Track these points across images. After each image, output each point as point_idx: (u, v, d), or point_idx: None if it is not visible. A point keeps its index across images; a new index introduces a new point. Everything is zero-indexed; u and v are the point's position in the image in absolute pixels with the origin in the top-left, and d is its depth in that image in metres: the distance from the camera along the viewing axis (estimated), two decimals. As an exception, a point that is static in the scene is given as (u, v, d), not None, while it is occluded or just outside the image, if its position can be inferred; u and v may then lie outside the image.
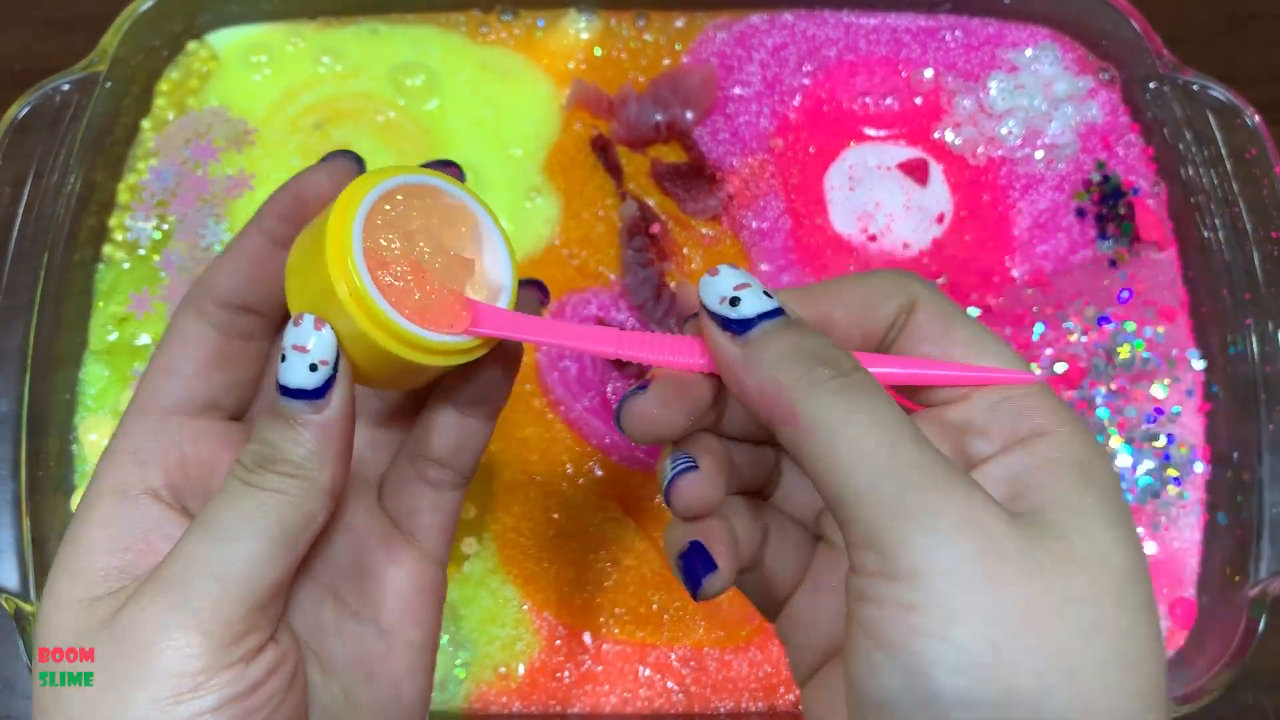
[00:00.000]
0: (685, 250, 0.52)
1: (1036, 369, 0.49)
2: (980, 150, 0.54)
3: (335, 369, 0.27)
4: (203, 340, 0.29)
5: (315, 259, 0.26)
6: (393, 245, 0.27)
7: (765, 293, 0.27)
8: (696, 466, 0.28)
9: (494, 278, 0.29)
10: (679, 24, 0.56)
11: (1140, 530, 0.47)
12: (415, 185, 0.28)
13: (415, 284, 0.27)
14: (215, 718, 0.25)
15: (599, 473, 0.47)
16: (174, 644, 0.24)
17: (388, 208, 0.27)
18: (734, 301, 0.26)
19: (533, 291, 0.32)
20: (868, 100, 0.55)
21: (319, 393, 0.26)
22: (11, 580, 0.43)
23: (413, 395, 0.33)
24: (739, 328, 0.26)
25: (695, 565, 0.29)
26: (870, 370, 0.26)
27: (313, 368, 0.26)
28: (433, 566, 0.32)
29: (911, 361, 0.28)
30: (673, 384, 0.28)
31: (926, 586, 0.23)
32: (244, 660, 0.25)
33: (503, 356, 0.30)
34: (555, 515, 0.47)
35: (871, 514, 0.23)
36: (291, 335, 0.26)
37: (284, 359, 0.26)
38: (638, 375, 0.48)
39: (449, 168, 0.30)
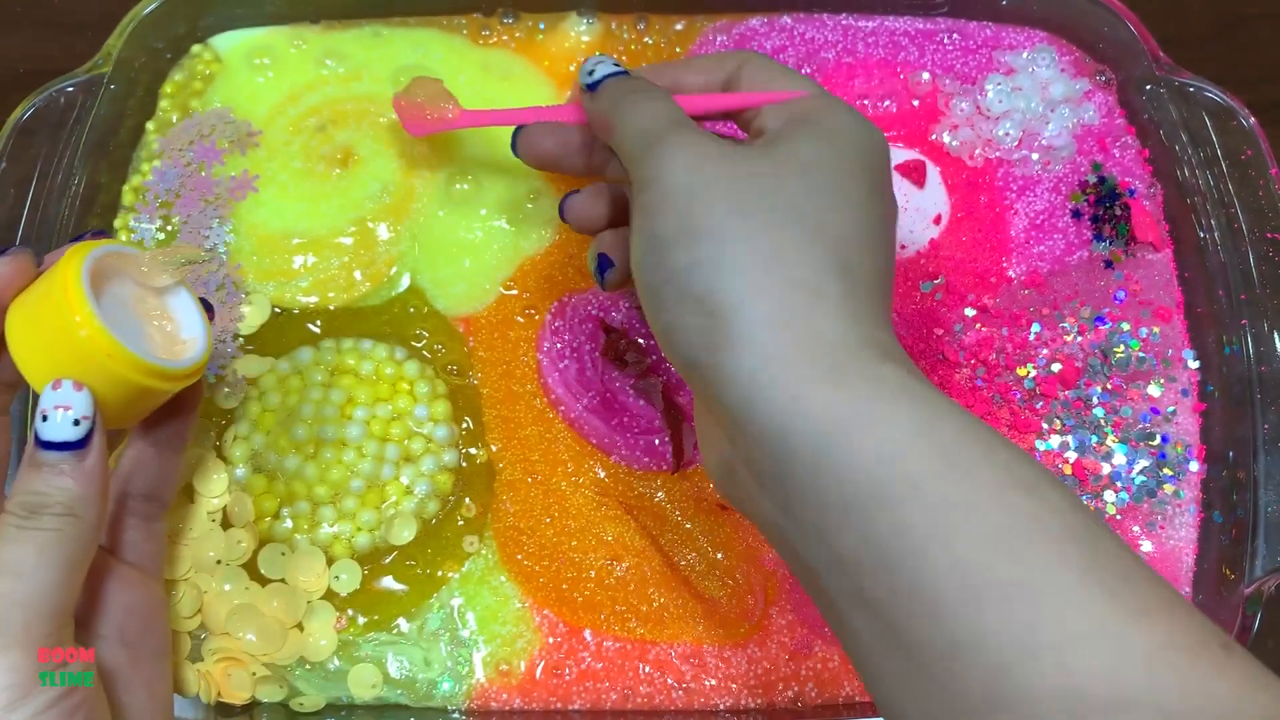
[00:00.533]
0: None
1: (1032, 369, 0.50)
2: (977, 152, 0.54)
3: (94, 423, 0.32)
4: None
5: (54, 325, 0.32)
6: (115, 299, 0.35)
7: (614, 63, 0.39)
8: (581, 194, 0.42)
9: (184, 315, 0.37)
10: (679, 27, 0.56)
11: (1136, 530, 0.48)
12: (108, 253, 0.35)
13: (141, 327, 0.35)
14: (45, 716, 0.30)
15: (599, 472, 0.48)
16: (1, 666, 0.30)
17: (100, 270, 0.34)
18: (593, 72, 0.39)
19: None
20: (866, 102, 0.56)
21: (81, 444, 0.32)
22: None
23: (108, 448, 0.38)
24: (593, 87, 0.38)
25: (601, 265, 0.40)
26: (676, 99, 0.37)
27: (76, 423, 0.31)
28: (155, 584, 0.39)
29: (709, 99, 0.38)
30: (559, 127, 0.42)
31: (655, 183, 0.33)
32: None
33: (196, 390, 0.38)
34: (555, 514, 0.47)
35: (634, 155, 0.34)
36: (53, 398, 0.31)
37: (45, 419, 0.31)
38: (638, 376, 0.48)
39: (99, 235, 0.37)
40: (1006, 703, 0.24)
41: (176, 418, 0.39)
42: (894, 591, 0.26)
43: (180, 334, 0.36)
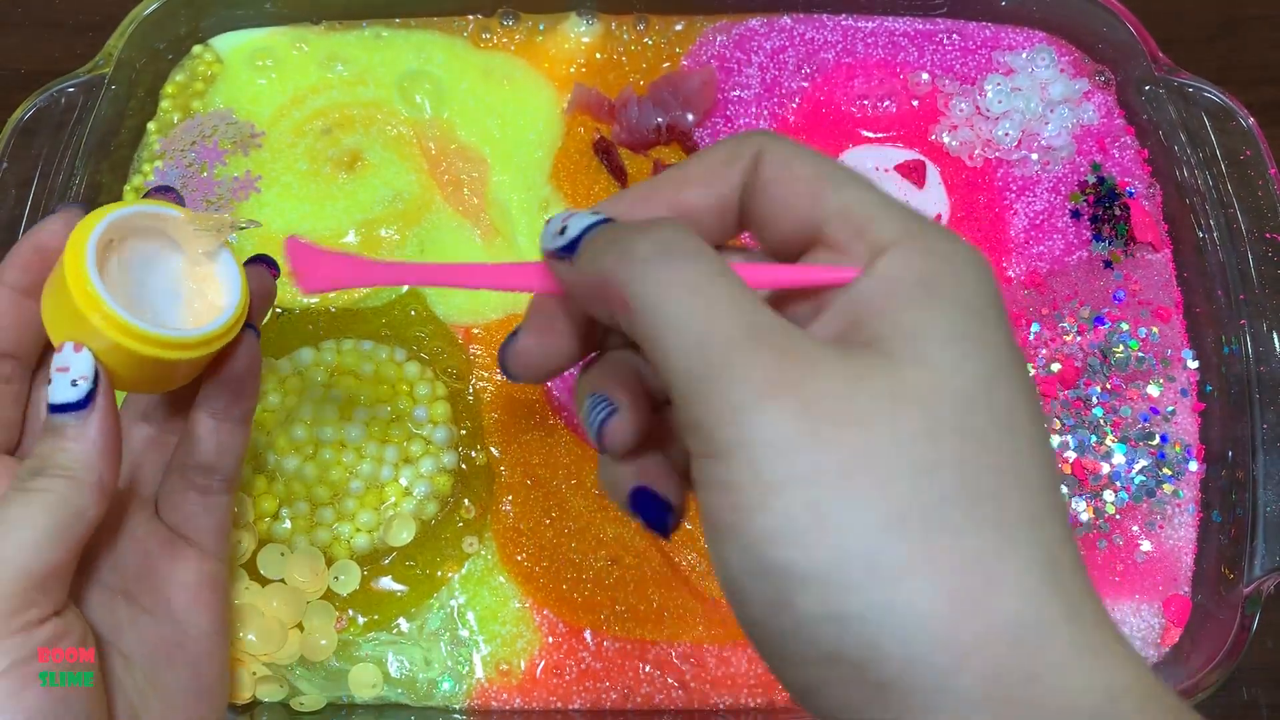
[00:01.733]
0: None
1: (1032, 369, 0.50)
2: (977, 152, 0.54)
3: (95, 384, 0.31)
4: None
5: (61, 289, 0.31)
6: (148, 263, 0.33)
7: (591, 213, 0.26)
8: (616, 408, 0.27)
9: (228, 282, 0.34)
10: (678, 27, 0.56)
11: (1135, 529, 0.48)
12: (140, 213, 0.33)
13: (179, 293, 0.34)
14: (4, 678, 0.29)
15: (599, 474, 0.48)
16: None
17: (119, 236, 0.33)
18: (564, 230, 0.26)
19: (259, 267, 0.37)
20: (865, 103, 0.56)
21: (82, 404, 0.31)
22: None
23: (178, 415, 0.38)
24: (569, 249, 0.25)
25: (650, 511, 0.28)
26: None
27: (74, 384, 0.31)
28: (212, 562, 0.38)
29: (752, 272, 0.25)
30: (542, 317, 0.28)
31: (742, 459, 0.21)
32: (24, 630, 0.29)
33: (240, 360, 0.35)
34: (555, 515, 0.47)
35: (687, 391, 0.22)
36: (55, 360, 0.31)
37: (50, 382, 0.31)
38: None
39: (166, 193, 0.36)
40: None
41: (232, 387, 0.36)
42: None
43: (220, 301, 0.34)
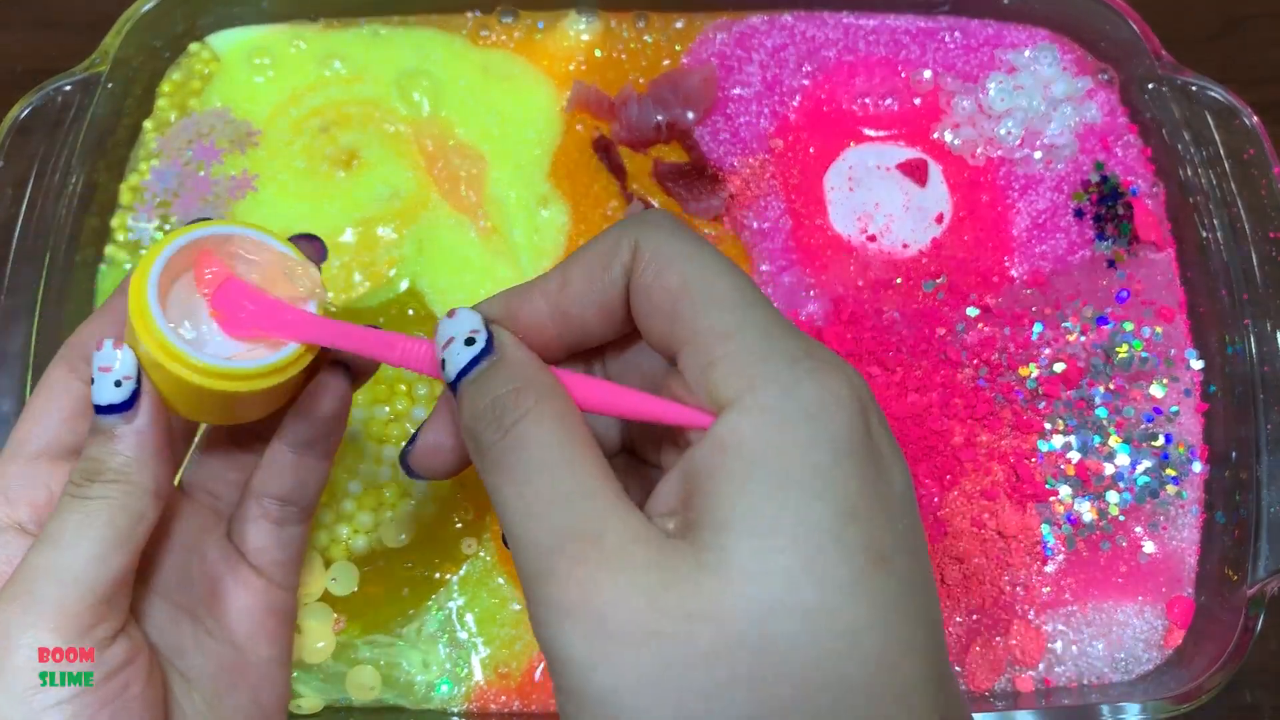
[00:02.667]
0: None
1: (1035, 369, 0.50)
2: (979, 151, 0.54)
3: (138, 383, 0.30)
4: (68, 392, 0.32)
5: (128, 305, 0.29)
6: (191, 290, 0.31)
7: (468, 339, 0.26)
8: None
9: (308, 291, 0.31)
10: (679, 25, 0.56)
11: (1138, 530, 0.47)
12: (215, 235, 0.31)
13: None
14: (72, 705, 0.28)
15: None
16: (26, 642, 0.27)
17: (220, 252, 0.31)
18: (447, 346, 0.26)
19: (308, 245, 0.33)
20: (867, 101, 0.55)
21: (127, 405, 0.29)
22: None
23: (258, 439, 0.36)
24: (452, 387, 0.26)
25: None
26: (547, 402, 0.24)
27: (118, 384, 0.29)
28: (280, 592, 0.36)
29: (590, 385, 0.26)
30: (446, 418, 0.29)
31: (553, 669, 0.22)
32: (97, 647, 0.28)
33: (325, 401, 0.33)
34: (556, 515, 0.47)
35: (533, 594, 0.23)
36: (96, 359, 0.30)
37: (93, 381, 0.29)
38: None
39: (312, 242, 0.34)
40: None
41: (315, 424, 0.34)
42: None
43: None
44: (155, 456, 0.30)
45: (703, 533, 0.22)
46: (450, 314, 0.27)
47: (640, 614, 0.21)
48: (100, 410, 0.30)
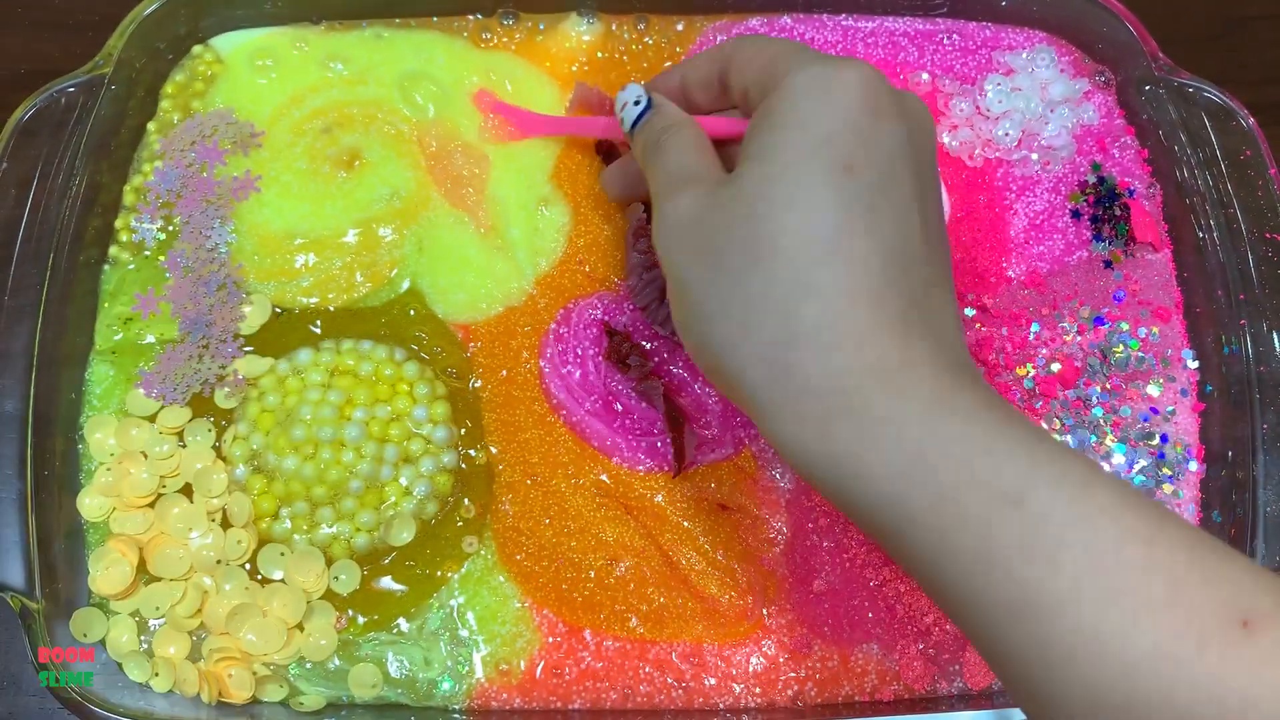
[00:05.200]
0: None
1: (1032, 369, 0.50)
2: (977, 152, 0.54)
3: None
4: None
5: None
6: None
7: (636, 100, 0.42)
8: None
9: None
10: (679, 27, 0.56)
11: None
12: None
13: None
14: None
15: (599, 474, 0.48)
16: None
17: None
18: (624, 108, 0.42)
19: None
20: (866, 103, 0.55)
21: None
22: (17, 578, 0.43)
23: None
24: (632, 128, 0.42)
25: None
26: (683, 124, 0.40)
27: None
28: None
29: (709, 120, 0.40)
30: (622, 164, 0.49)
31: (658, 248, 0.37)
32: None
33: None
34: (555, 514, 0.47)
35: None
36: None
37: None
38: (640, 378, 0.48)
39: None
40: None
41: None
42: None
43: None
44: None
45: (736, 168, 0.35)
46: (623, 88, 0.42)
47: (690, 210, 0.35)
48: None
